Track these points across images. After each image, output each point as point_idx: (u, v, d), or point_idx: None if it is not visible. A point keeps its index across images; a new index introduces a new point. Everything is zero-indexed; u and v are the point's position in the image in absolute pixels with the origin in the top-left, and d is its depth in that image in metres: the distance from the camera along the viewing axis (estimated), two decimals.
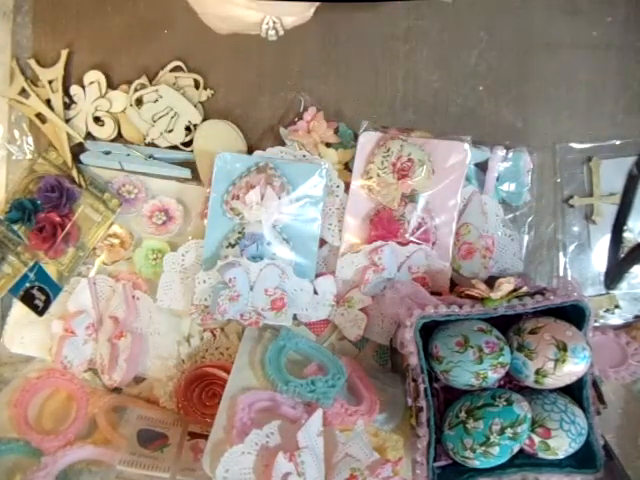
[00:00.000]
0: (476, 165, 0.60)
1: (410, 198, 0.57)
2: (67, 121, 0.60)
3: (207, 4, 0.52)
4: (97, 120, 0.60)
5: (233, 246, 0.57)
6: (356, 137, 0.59)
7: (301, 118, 0.59)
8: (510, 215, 0.61)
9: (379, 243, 0.56)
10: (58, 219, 0.58)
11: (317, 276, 0.58)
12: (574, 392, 0.52)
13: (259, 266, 0.55)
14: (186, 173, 0.60)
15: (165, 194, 0.60)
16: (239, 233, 0.57)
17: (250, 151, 0.59)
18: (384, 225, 0.57)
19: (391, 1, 0.61)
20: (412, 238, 0.57)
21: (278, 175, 0.56)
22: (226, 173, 0.57)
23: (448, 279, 0.58)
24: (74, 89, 0.60)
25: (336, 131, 0.60)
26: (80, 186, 0.59)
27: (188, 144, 0.60)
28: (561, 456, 0.50)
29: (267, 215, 0.56)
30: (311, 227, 0.57)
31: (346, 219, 0.58)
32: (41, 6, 0.60)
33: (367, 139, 0.58)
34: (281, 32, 0.53)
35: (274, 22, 0.51)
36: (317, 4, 0.53)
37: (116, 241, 0.60)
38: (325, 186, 0.57)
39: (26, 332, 0.59)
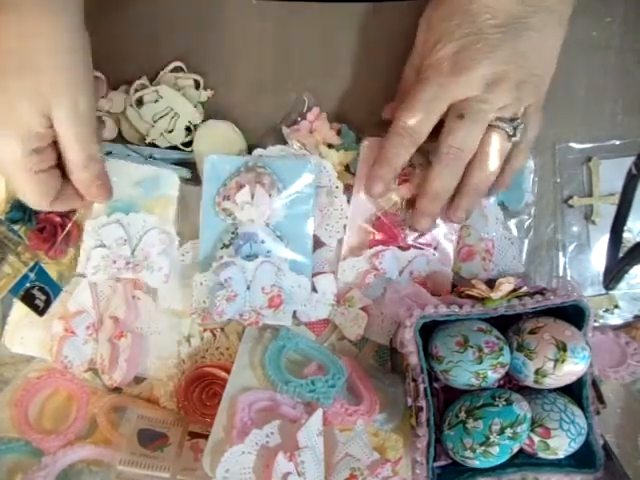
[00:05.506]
0: None
1: (412, 203, 0.57)
2: None
3: None
4: (97, 120, 0.60)
5: (227, 247, 0.57)
6: (358, 139, 0.59)
7: (304, 118, 0.59)
8: (510, 218, 0.60)
9: (380, 248, 0.56)
10: (58, 219, 0.57)
11: (317, 275, 0.58)
12: (573, 392, 0.52)
13: (254, 265, 0.55)
14: (186, 173, 0.60)
15: None
16: (232, 233, 0.57)
17: (250, 151, 0.59)
18: (385, 230, 0.57)
19: (392, 1, 0.61)
20: (413, 243, 0.57)
21: (268, 173, 0.56)
22: (216, 175, 0.57)
23: (449, 283, 0.58)
24: None
25: (338, 132, 0.60)
26: None
27: (188, 144, 0.60)
28: (561, 456, 0.50)
29: (259, 214, 0.56)
30: (304, 223, 0.57)
31: (348, 223, 0.58)
32: None
33: (371, 143, 0.58)
34: None
35: None
36: None
37: None
38: (314, 181, 0.56)
39: (26, 332, 0.59)
